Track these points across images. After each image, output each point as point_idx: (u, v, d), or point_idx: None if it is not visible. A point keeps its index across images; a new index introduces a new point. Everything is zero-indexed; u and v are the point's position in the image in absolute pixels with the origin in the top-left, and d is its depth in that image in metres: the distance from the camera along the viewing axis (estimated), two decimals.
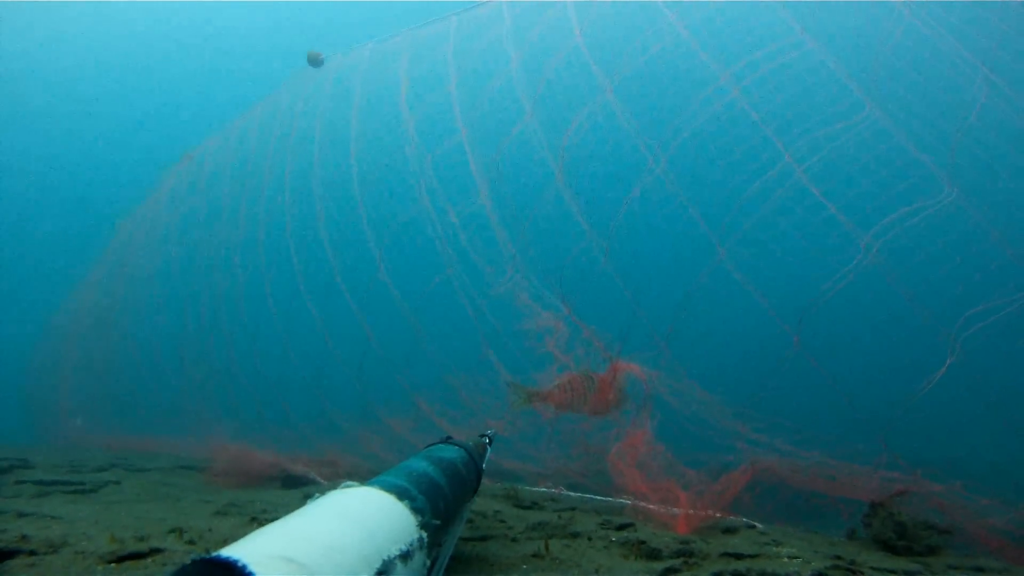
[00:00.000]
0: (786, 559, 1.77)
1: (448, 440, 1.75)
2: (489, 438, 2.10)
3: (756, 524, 2.42)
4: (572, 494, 2.97)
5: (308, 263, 4.93)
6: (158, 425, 5.73)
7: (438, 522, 1.34)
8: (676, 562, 1.60)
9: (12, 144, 21.18)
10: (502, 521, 2.25)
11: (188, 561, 0.75)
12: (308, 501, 1.15)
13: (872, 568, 1.85)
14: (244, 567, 0.76)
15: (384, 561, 1.06)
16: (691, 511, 2.46)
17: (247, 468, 4.16)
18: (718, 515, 2.53)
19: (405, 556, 1.14)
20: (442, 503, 1.43)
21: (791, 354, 2.85)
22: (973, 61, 2.77)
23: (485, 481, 3.36)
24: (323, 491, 1.20)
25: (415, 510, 1.27)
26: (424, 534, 1.23)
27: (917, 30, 3.02)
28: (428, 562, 1.24)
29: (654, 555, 1.75)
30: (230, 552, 0.77)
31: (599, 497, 2.87)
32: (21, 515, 2.55)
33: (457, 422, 3.59)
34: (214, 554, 0.76)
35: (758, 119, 3.23)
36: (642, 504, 2.63)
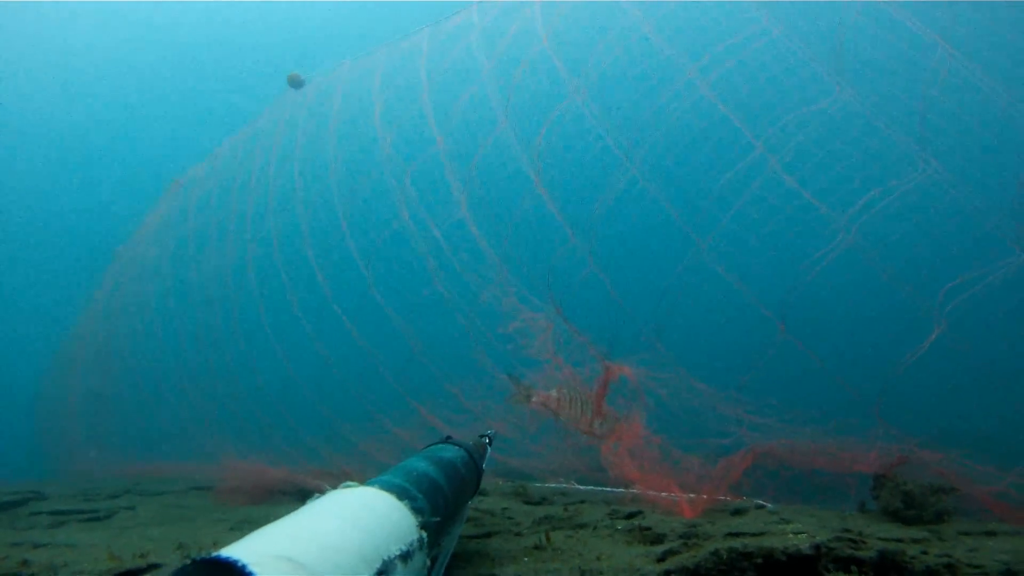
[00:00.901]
0: (791, 535, 1.78)
1: (448, 440, 1.77)
2: (489, 438, 2.12)
3: (766, 504, 2.44)
4: (581, 487, 2.99)
5: (299, 281, 4.97)
6: (169, 449, 5.77)
7: (438, 518, 1.36)
8: (677, 544, 1.62)
9: (3, 177, 21.34)
10: (509, 518, 2.27)
11: (188, 561, 0.77)
12: (308, 501, 1.17)
13: (880, 539, 1.86)
14: (244, 567, 0.78)
15: (384, 561, 1.07)
16: (696, 495, 2.48)
17: (260, 485, 4.19)
18: (727, 498, 2.55)
19: (405, 556, 1.15)
20: (442, 503, 1.44)
21: (778, 339, 2.88)
22: (933, 37, 2.81)
23: (495, 480, 3.39)
24: (323, 492, 1.22)
25: (415, 510, 1.28)
26: (424, 534, 1.25)
27: (876, 9, 3.06)
28: (428, 562, 1.25)
29: (659, 540, 1.76)
30: (230, 552, 0.79)
31: (608, 488, 2.89)
32: (36, 546, 2.57)
33: (461, 425, 3.61)
34: (214, 554, 0.78)
35: (727, 111, 3.26)
36: (650, 492, 2.65)
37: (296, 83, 6.87)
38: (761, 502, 2.45)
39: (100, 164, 22.24)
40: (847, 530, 1.90)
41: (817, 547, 1.50)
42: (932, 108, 2.89)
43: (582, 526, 2.03)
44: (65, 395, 7.34)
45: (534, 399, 3.58)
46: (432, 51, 5.02)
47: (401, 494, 1.31)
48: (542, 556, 1.62)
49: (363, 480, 1.33)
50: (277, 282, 5.22)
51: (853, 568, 1.60)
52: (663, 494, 2.62)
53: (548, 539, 1.75)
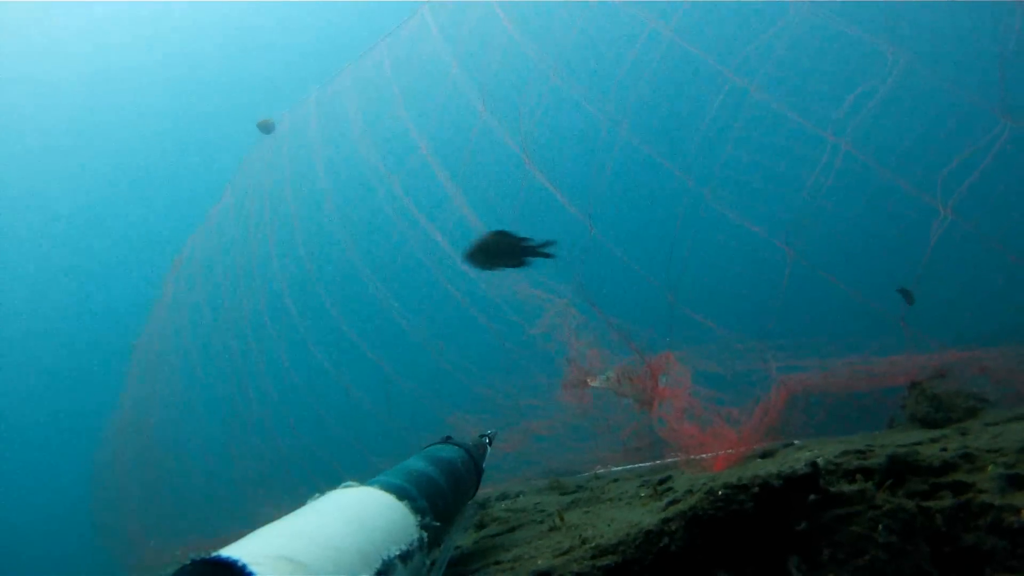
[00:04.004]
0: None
1: (448, 440, 1.96)
2: (489, 438, 2.28)
3: (795, 441, 2.57)
4: (616, 468, 3.17)
5: (315, 321, 5.32)
6: (224, 522, 6.19)
7: (438, 519, 1.46)
8: (681, 494, 1.78)
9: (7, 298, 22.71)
10: (541, 511, 2.46)
11: (188, 561, 0.92)
12: (308, 501, 1.30)
13: (898, 446, 1.98)
14: (244, 567, 0.89)
15: (384, 561, 1.16)
16: (731, 450, 2.63)
17: None
18: (762, 444, 2.68)
19: (405, 556, 1.24)
20: (442, 503, 1.56)
21: (791, 265, 2.99)
22: None
23: (533, 480, 3.59)
24: (323, 491, 1.35)
25: (415, 510, 1.40)
26: (424, 534, 1.36)
27: None
28: (428, 562, 1.37)
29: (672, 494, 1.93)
30: (230, 552, 0.93)
31: (643, 464, 3.06)
32: None
33: (501, 428, 3.80)
34: (214, 554, 0.92)
35: (694, 49, 3.40)
36: (687, 456, 2.81)
37: (267, 128, 7.33)
38: (789, 440, 2.58)
39: (98, 260, 23.42)
40: (869, 446, 2.03)
41: (814, 464, 1.64)
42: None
43: (607, 500, 2.22)
44: (116, 488, 7.93)
45: (593, 383, 3.71)
46: (396, 60, 5.32)
47: (401, 494, 1.45)
48: (554, 536, 1.80)
49: (363, 481, 1.51)
50: (294, 331, 5.61)
51: (858, 477, 1.74)
52: (700, 457, 2.78)
53: (561, 519, 1.93)
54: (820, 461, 1.89)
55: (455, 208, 4.37)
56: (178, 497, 7.02)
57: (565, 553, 1.54)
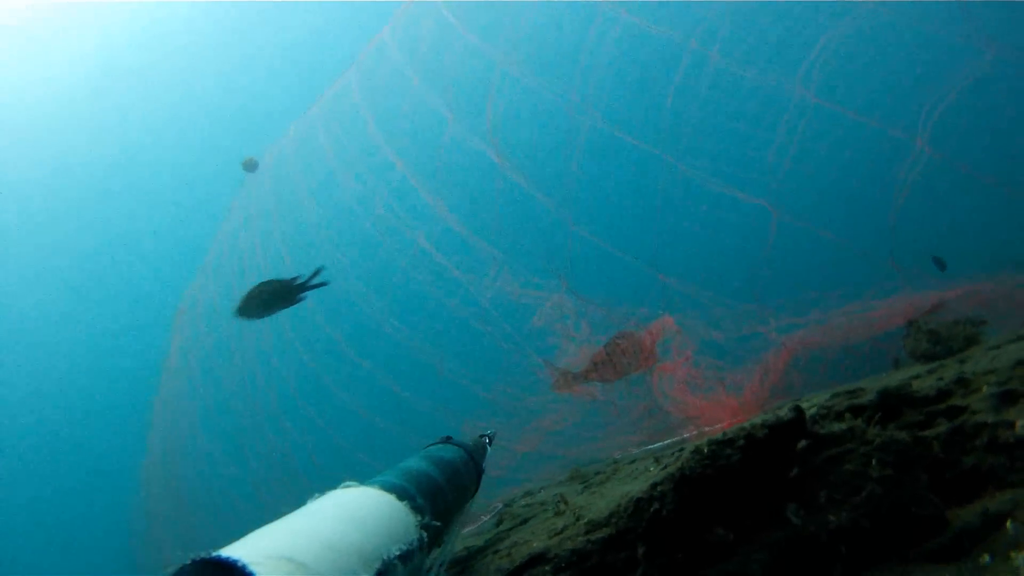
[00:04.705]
0: None
1: (447, 440, 2.03)
2: (489, 438, 2.33)
3: (804, 397, 2.63)
4: (635, 451, 3.23)
5: (322, 353, 5.46)
6: None
7: (438, 524, 1.49)
8: (671, 458, 1.86)
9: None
10: (558, 502, 2.54)
11: (188, 561, 0.95)
12: (308, 501, 1.35)
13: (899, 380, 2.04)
14: (244, 567, 0.91)
15: (384, 561, 1.18)
16: (737, 416, 2.69)
17: None
18: (770, 405, 2.75)
19: (405, 556, 1.26)
20: (442, 503, 1.60)
21: (779, 224, 3.04)
22: None
23: (554, 475, 3.66)
24: (323, 491, 1.39)
25: (415, 510, 1.42)
26: (424, 534, 1.38)
27: None
28: (428, 562, 1.41)
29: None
30: (230, 552, 0.95)
31: (661, 443, 3.12)
32: None
33: (510, 429, 3.89)
34: (214, 554, 0.94)
35: (654, 29, 3.49)
36: (699, 428, 2.88)
37: (251, 167, 7.57)
38: (799, 397, 2.64)
39: (105, 326, 23.81)
40: (860, 388, 2.09)
41: (798, 409, 1.71)
42: None
43: (616, 480, 2.29)
44: (155, 550, 8.11)
45: (574, 381, 3.80)
46: (363, 82, 5.49)
47: (401, 494, 1.48)
48: (556, 519, 1.87)
49: (363, 481, 1.54)
50: (303, 367, 5.76)
51: (847, 416, 1.80)
52: (712, 427, 2.85)
53: (565, 502, 2.00)
54: (812, 410, 1.96)
55: (439, 218, 4.50)
56: (213, 545, 7.18)
57: (560, 533, 1.60)
